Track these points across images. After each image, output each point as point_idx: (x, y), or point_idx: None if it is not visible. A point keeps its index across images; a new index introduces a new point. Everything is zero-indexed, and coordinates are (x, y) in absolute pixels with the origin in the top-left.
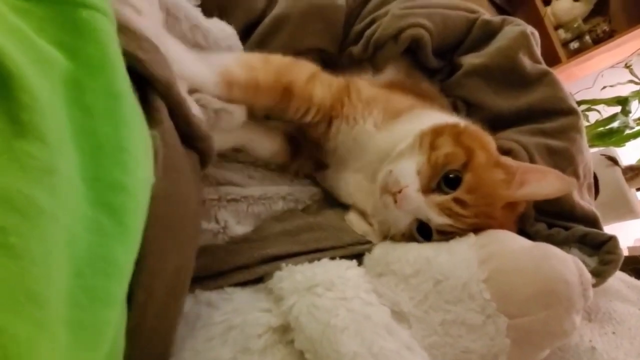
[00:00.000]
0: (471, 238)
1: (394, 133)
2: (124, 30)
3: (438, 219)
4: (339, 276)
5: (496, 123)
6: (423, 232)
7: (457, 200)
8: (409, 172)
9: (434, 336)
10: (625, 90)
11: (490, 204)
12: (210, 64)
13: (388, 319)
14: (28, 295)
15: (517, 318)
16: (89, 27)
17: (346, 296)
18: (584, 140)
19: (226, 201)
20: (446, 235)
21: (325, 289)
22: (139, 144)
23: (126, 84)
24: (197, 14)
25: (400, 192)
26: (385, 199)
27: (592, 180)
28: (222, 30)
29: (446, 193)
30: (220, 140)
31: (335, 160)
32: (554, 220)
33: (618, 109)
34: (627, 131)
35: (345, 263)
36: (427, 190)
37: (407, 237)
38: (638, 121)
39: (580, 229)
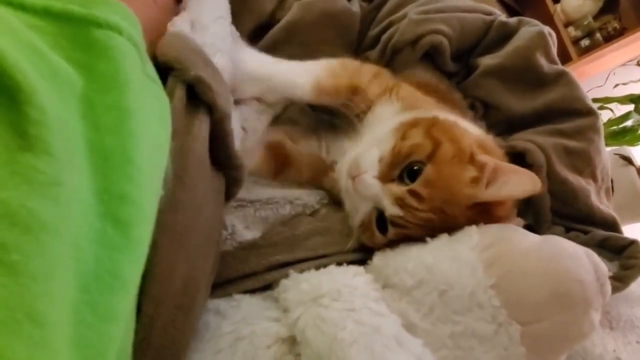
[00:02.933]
0: (473, 239)
1: (393, 121)
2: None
3: (391, 209)
4: (346, 285)
5: (513, 124)
6: (381, 225)
7: (413, 193)
8: (371, 158)
9: (444, 350)
10: (638, 88)
11: (449, 201)
12: (302, 73)
13: (398, 329)
14: (28, 314)
15: (531, 324)
16: (102, 46)
17: (354, 307)
18: (602, 142)
19: (233, 207)
20: (401, 228)
21: (332, 300)
22: (148, 157)
23: (140, 100)
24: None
25: (358, 176)
26: (347, 182)
27: (609, 183)
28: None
29: (406, 184)
30: None
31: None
32: (572, 224)
33: (631, 107)
34: None
35: (352, 269)
36: (386, 178)
37: (365, 226)
38: None
39: (600, 233)
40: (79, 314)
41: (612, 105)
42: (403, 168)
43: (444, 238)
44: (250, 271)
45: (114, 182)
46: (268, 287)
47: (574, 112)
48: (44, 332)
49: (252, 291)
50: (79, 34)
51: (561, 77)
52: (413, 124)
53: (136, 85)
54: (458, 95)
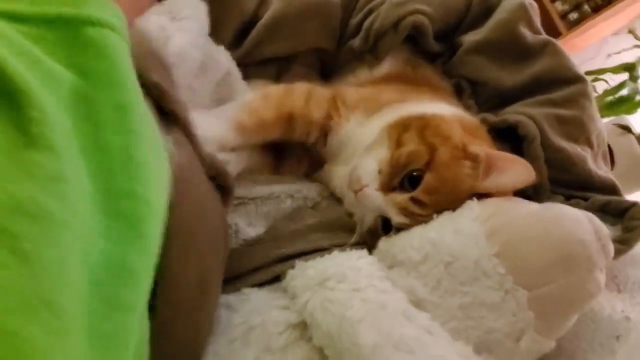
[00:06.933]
0: (474, 210)
1: (369, 127)
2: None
3: (397, 218)
4: (351, 267)
5: (503, 98)
6: (385, 226)
7: (415, 200)
8: (369, 170)
9: (454, 321)
10: (631, 56)
11: (452, 200)
12: (222, 120)
13: (405, 305)
14: (43, 302)
15: (537, 289)
16: (98, 45)
17: (359, 286)
18: (594, 107)
19: (234, 205)
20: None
21: (338, 282)
22: (150, 153)
23: (136, 94)
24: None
25: (360, 190)
26: (349, 195)
27: (606, 149)
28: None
29: (408, 191)
30: None
31: (329, 157)
32: (572, 192)
33: (626, 76)
34: (638, 97)
35: (356, 253)
36: (387, 188)
37: (372, 232)
38: None
39: (600, 198)
40: (92, 305)
41: (605, 76)
42: (403, 176)
43: (446, 214)
44: (257, 265)
45: (117, 180)
46: (276, 280)
47: (562, 80)
48: (62, 321)
49: (261, 285)
50: (74, 35)
51: (546, 47)
52: (404, 126)
53: (131, 79)
54: (437, 77)
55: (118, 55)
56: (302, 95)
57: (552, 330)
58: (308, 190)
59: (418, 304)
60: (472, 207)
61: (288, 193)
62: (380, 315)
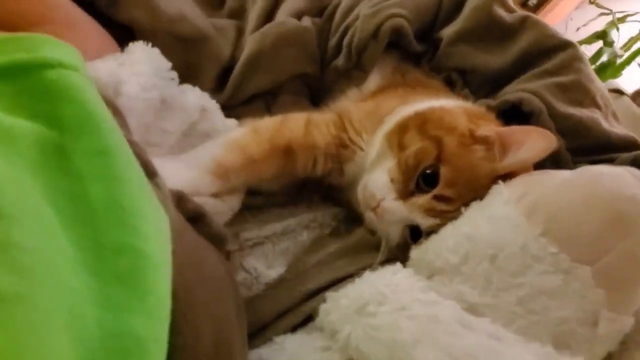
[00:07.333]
0: (503, 194)
1: (375, 142)
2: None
3: (426, 222)
4: (387, 284)
5: (496, 82)
6: (414, 235)
7: (439, 197)
8: (381, 183)
9: (518, 320)
10: (599, 25)
11: (476, 188)
12: (196, 163)
13: (459, 312)
14: None
15: (598, 260)
16: (61, 87)
17: (403, 304)
18: (590, 69)
19: (249, 248)
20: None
21: (378, 305)
22: (142, 199)
23: (115, 136)
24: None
25: (378, 206)
26: (368, 215)
27: (614, 108)
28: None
29: (427, 191)
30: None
31: (348, 185)
32: (595, 157)
33: (600, 44)
34: (619, 60)
35: (389, 269)
36: (405, 195)
37: (402, 247)
38: (625, 47)
39: (626, 155)
40: None
41: (582, 49)
42: (417, 178)
43: (474, 205)
44: (284, 308)
45: (106, 234)
46: (308, 320)
47: (551, 49)
48: None
49: (293, 330)
50: (33, 82)
51: (526, 22)
52: (402, 128)
53: (108, 122)
54: (428, 78)
55: (85, 96)
56: (300, 124)
57: (626, 303)
58: (323, 216)
59: (471, 310)
60: (501, 191)
61: (303, 224)
62: (435, 330)
